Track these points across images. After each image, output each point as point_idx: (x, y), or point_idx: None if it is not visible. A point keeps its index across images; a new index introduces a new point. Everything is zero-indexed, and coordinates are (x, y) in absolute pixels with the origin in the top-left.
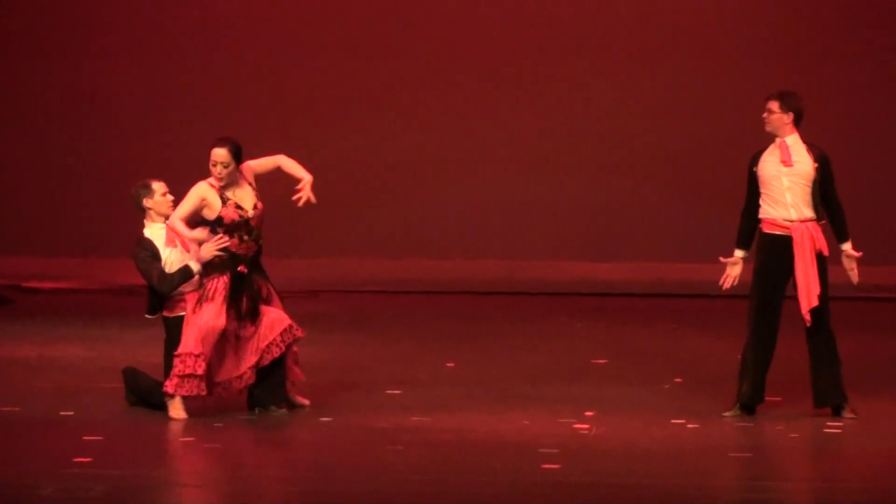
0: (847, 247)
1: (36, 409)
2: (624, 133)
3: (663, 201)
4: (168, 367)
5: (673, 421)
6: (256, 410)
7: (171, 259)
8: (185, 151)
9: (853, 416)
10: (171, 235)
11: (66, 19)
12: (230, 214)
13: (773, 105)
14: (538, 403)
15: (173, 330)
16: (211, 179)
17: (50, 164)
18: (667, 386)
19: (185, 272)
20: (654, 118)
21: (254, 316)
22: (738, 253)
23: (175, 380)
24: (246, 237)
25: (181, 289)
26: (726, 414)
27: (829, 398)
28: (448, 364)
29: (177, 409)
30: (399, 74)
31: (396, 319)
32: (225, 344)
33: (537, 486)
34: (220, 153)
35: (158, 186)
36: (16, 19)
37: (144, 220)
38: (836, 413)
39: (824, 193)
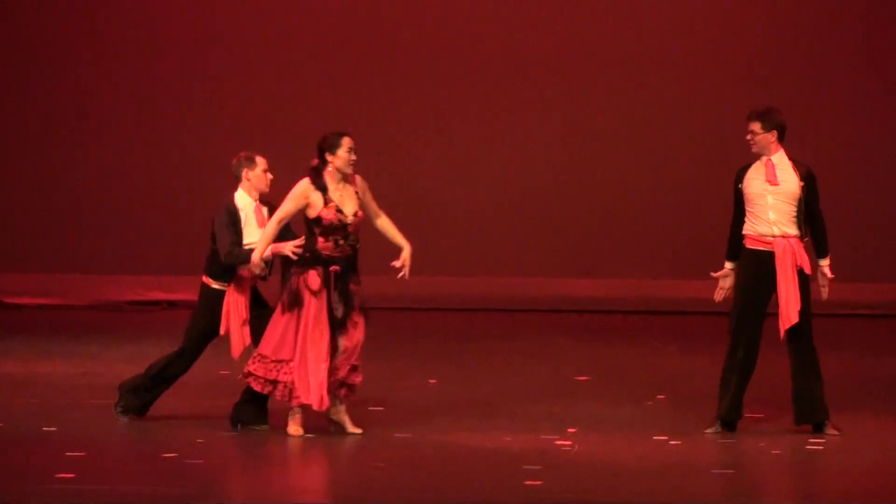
0: (824, 263)
1: (19, 425)
2: (609, 151)
3: (647, 218)
4: (193, 330)
5: (655, 438)
6: (239, 427)
7: (254, 236)
8: (175, 167)
9: (836, 433)
10: (260, 216)
11: (46, 30)
12: (329, 216)
13: (755, 126)
14: (521, 420)
15: (210, 301)
16: (307, 179)
17: (33, 180)
18: (649, 403)
19: (246, 259)
20: (639, 137)
21: (343, 324)
22: (728, 265)
23: (261, 381)
24: (342, 242)
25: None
26: (708, 431)
27: (811, 415)
28: (431, 381)
29: (295, 426)
30: (386, 92)
31: (379, 336)
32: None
33: (520, 503)
34: (351, 140)
35: (261, 161)
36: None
37: (239, 187)
38: (818, 430)
39: (808, 210)
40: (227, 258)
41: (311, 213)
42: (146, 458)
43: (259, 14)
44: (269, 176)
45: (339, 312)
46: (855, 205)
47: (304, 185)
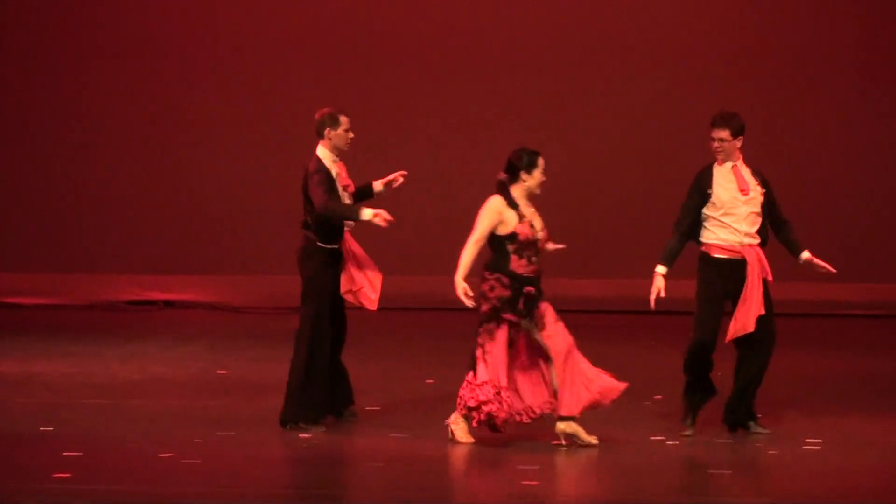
0: (808, 255)
1: (16, 424)
2: (604, 151)
3: (645, 218)
4: (307, 296)
5: (652, 438)
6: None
7: (343, 197)
8: (173, 167)
9: (767, 430)
10: (343, 173)
11: (46, 30)
12: (525, 232)
13: (724, 133)
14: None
15: (320, 256)
16: (500, 196)
17: (30, 180)
18: (647, 403)
19: (353, 211)
20: (633, 137)
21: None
22: (662, 269)
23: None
24: (533, 259)
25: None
26: (686, 433)
27: (745, 417)
28: (428, 381)
29: (464, 432)
30: (387, 92)
31: (376, 336)
32: (517, 372)
33: (516, 503)
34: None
35: (344, 121)
36: None
37: (320, 144)
38: (741, 428)
39: (773, 214)
40: (324, 213)
41: (504, 230)
42: (143, 458)
43: (259, 15)
44: (351, 135)
45: (535, 334)
46: (852, 205)
47: (498, 201)
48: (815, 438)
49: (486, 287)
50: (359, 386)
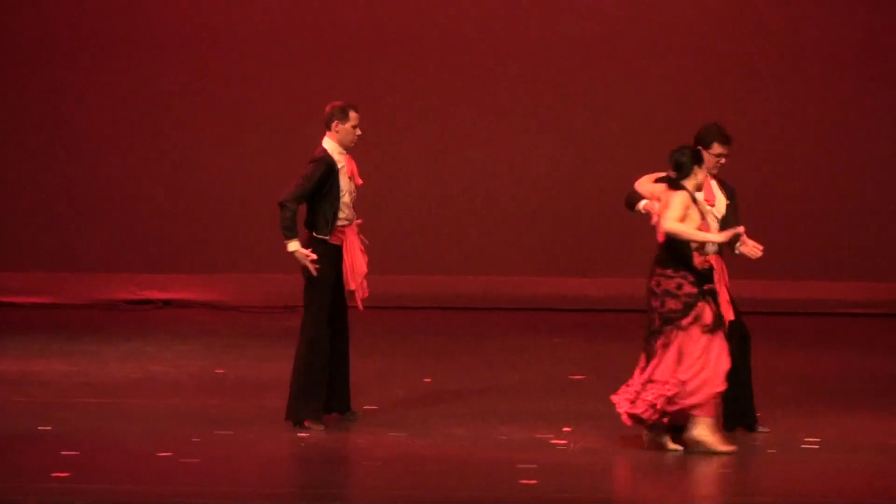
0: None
1: (14, 424)
2: (604, 150)
3: (642, 216)
4: (307, 291)
5: None
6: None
7: (349, 188)
8: (171, 166)
9: (766, 429)
10: (352, 166)
11: (44, 29)
12: (706, 229)
13: (728, 150)
14: (516, 419)
15: (323, 251)
16: (686, 192)
17: (27, 179)
18: None
19: (288, 233)
20: (633, 136)
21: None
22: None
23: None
24: (708, 255)
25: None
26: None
27: (749, 420)
28: (425, 380)
29: (719, 441)
30: (384, 91)
31: (373, 335)
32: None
33: (515, 502)
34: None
35: (354, 117)
36: None
37: (327, 135)
38: (751, 429)
39: (731, 222)
40: (281, 204)
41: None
42: (141, 457)
43: (259, 14)
44: (358, 132)
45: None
46: (852, 205)
47: (686, 196)
48: (813, 438)
49: (671, 285)
50: (357, 385)
